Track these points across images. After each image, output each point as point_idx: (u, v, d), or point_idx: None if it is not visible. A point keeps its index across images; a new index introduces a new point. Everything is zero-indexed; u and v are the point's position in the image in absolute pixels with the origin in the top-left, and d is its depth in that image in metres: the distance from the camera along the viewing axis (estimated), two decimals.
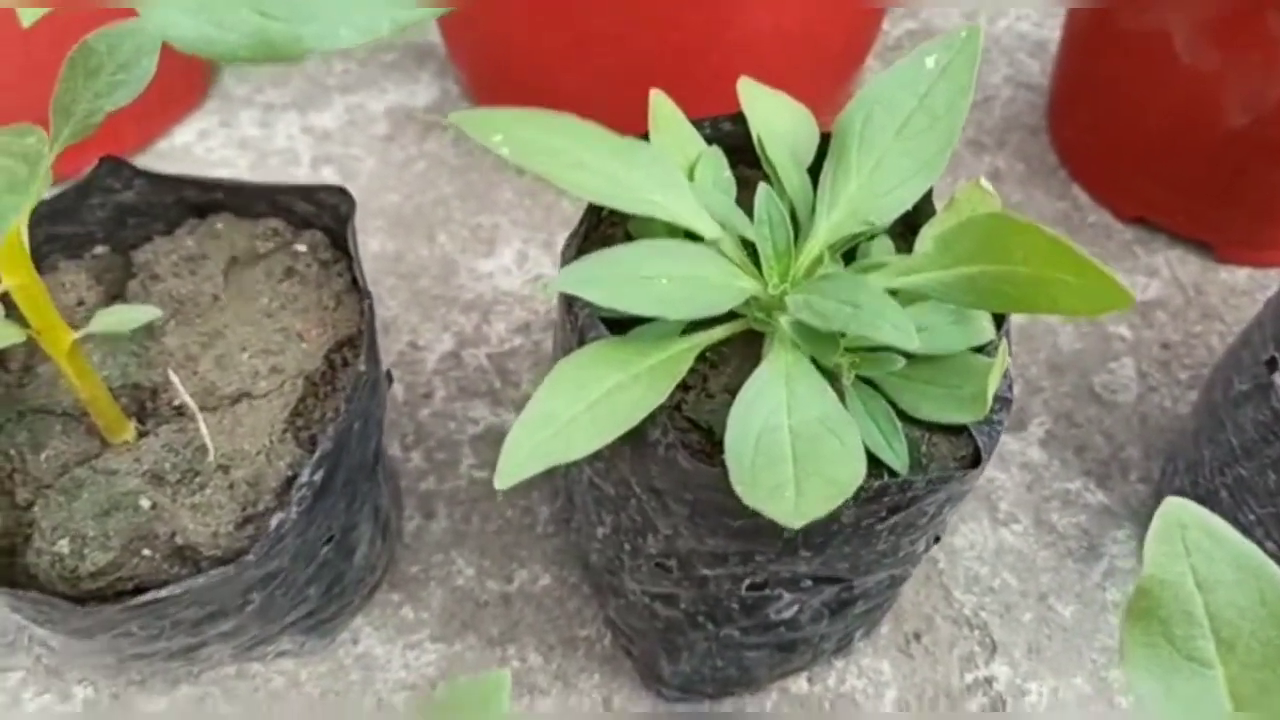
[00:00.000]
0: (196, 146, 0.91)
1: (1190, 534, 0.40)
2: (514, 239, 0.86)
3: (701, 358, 0.56)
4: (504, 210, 0.87)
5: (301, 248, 0.62)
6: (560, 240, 0.84)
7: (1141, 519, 0.72)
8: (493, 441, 0.76)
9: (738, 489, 0.47)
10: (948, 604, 0.70)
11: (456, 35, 0.91)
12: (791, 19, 0.81)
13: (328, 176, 0.89)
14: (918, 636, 0.69)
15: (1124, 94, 0.81)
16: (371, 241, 0.85)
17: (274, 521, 0.52)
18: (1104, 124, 0.85)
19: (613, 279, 0.50)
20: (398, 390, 0.78)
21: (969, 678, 0.67)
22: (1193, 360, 0.79)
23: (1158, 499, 0.70)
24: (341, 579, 0.64)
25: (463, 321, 0.81)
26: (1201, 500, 0.65)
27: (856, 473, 0.47)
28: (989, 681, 0.67)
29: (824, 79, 0.90)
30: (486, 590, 0.71)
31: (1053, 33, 0.99)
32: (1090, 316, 0.50)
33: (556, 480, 0.72)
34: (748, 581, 0.57)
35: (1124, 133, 0.84)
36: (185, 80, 0.93)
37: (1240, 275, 0.83)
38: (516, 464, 0.49)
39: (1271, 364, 0.60)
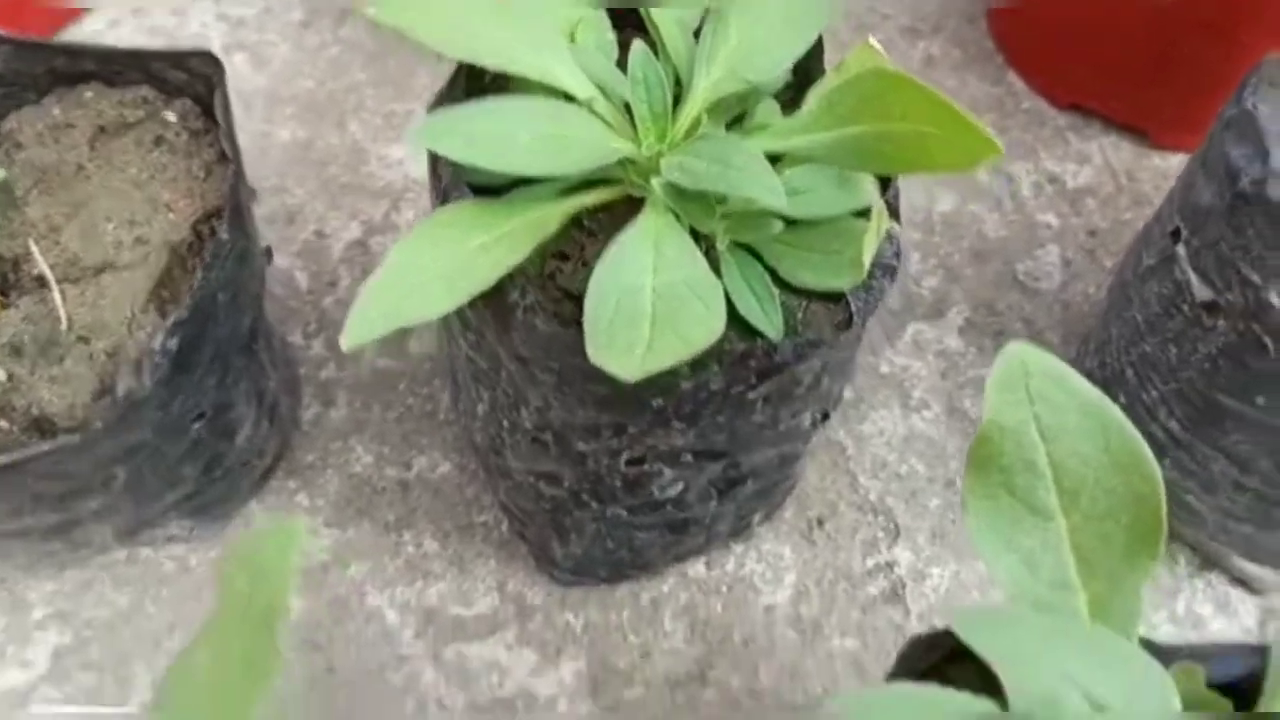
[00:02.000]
0: (107, 35, 0.88)
1: (1034, 381, 0.38)
2: None
3: (580, 226, 0.54)
4: (418, 96, 0.85)
5: (171, 117, 0.59)
6: None
7: None
8: (397, 330, 0.74)
9: (589, 346, 0.45)
10: (853, 490, 0.69)
11: None
12: None
13: (239, 63, 0.86)
14: (820, 522, 0.68)
15: None
16: (281, 130, 0.83)
17: (122, 389, 0.51)
18: (1039, 9, 0.82)
19: (473, 133, 0.48)
20: (301, 279, 0.76)
21: (870, 562, 0.66)
22: (1119, 247, 0.77)
23: None
24: (222, 460, 0.62)
25: (371, 209, 0.79)
26: (1108, 381, 0.64)
27: (712, 332, 0.46)
28: (890, 566, 0.66)
29: None
30: (384, 477, 0.69)
31: None
32: (962, 169, 0.48)
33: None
34: (625, 456, 0.55)
35: (1058, 18, 0.81)
36: None
37: (1173, 161, 0.81)
38: (366, 324, 0.47)
39: (1176, 234, 0.58)
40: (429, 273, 0.48)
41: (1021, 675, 0.34)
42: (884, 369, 0.72)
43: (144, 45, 0.87)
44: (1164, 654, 0.40)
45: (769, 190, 0.47)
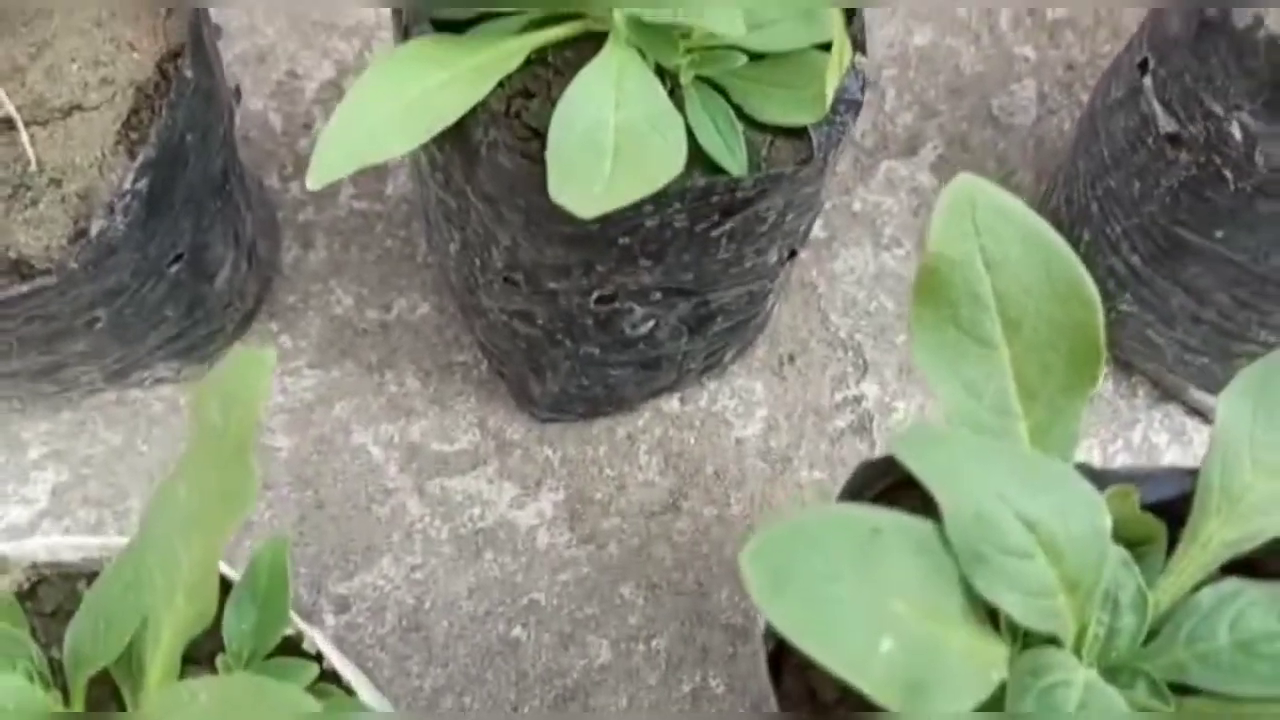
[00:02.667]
0: None
1: (980, 213, 0.39)
2: None
3: (545, 64, 0.54)
4: None
5: None
6: None
7: None
8: (373, 172, 0.74)
9: (550, 183, 0.46)
10: (824, 327, 0.70)
11: None
12: None
13: None
14: (791, 359, 0.69)
15: None
16: None
17: (95, 229, 0.52)
18: None
19: None
20: (275, 121, 0.76)
21: (839, 396, 0.68)
22: (1096, 81, 0.76)
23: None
24: (204, 302, 0.63)
25: (344, 48, 0.78)
26: (1074, 217, 0.65)
27: (671, 168, 0.46)
28: (858, 400, 0.68)
29: None
30: (365, 318, 0.70)
31: None
32: None
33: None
34: (596, 294, 0.57)
35: None
36: None
37: None
38: (329, 163, 0.47)
39: (1143, 66, 0.58)
40: (390, 111, 0.48)
41: (957, 495, 0.36)
42: (856, 206, 0.73)
43: None
44: (1101, 477, 0.42)
45: (727, 20, 0.47)
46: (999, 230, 0.39)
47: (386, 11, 0.79)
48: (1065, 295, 0.39)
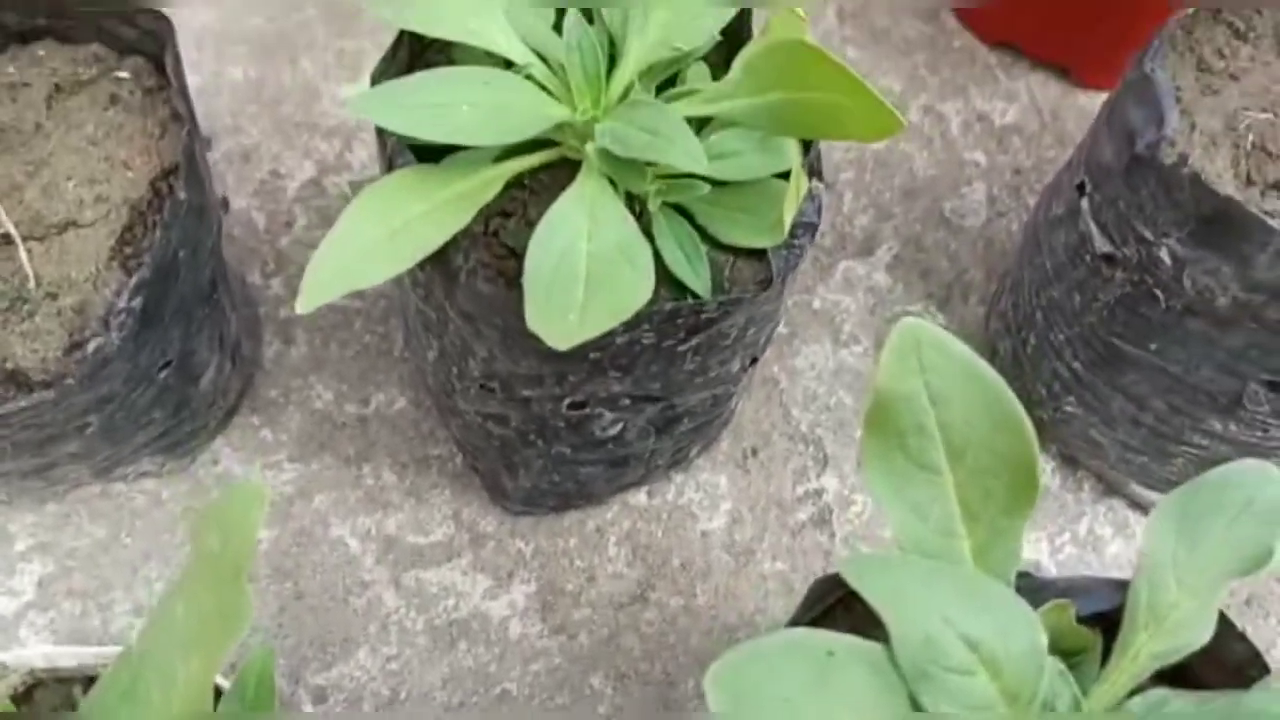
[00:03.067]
0: None
1: (925, 352, 0.42)
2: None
3: (522, 185, 0.58)
4: (369, 34, 0.86)
5: (124, 74, 0.61)
6: None
7: (975, 340, 0.75)
8: None
9: (528, 311, 0.49)
10: (786, 421, 0.73)
11: None
12: None
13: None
14: (754, 452, 0.72)
15: None
16: (233, 69, 0.84)
17: (92, 346, 0.54)
18: None
19: (412, 105, 0.51)
20: (258, 219, 0.79)
21: (800, 490, 0.71)
22: (1043, 185, 0.81)
23: (989, 322, 0.73)
24: (189, 402, 0.66)
25: (324, 148, 0.82)
26: (1020, 322, 0.68)
27: (640, 297, 0.49)
28: (818, 493, 0.71)
29: None
30: (344, 412, 0.73)
31: None
32: (869, 140, 0.51)
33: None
34: (568, 401, 0.59)
35: None
36: None
37: (1097, 100, 0.84)
38: (319, 287, 0.50)
39: (1081, 188, 0.62)
40: (376, 238, 0.51)
41: (904, 618, 0.39)
42: (816, 304, 0.76)
43: None
44: (1041, 589, 0.46)
45: (693, 158, 0.50)
46: (942, 368, 0.42)
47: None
48: (1004, 428, 0.42)
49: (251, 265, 0.77)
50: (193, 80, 0.60)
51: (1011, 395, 0.42)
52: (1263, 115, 0.57)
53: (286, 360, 0.74)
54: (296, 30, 0.86)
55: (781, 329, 0.75)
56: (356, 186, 0.81)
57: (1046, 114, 0.84)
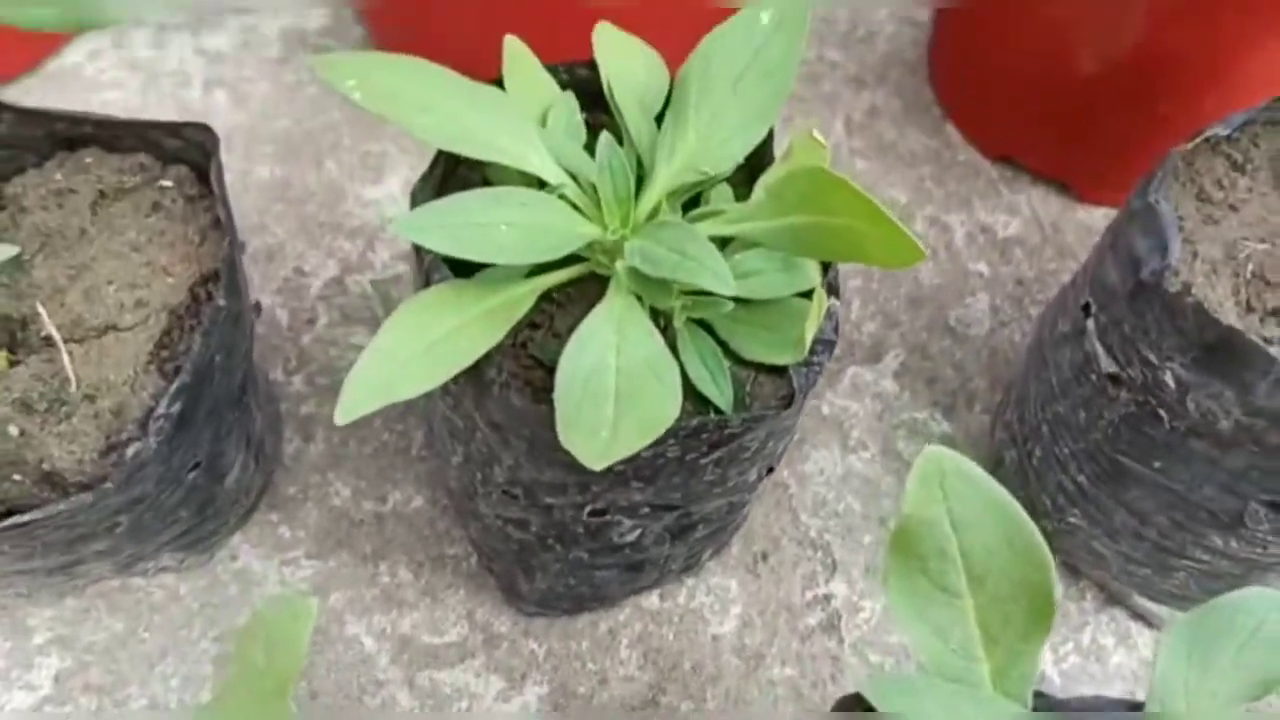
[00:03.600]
0: (87, 67, 0.91)
1: (949, 480, 0.44)
2: (401, 166, 0.88)
3: (549, 298, 0.60)
4: (392, 138, 0.89)
5: (168, 183, 0.64)
6: None
7: (981, 448, 0.77)
8: None
9: (559, 427, 0.51)
10: (795, 526, 0.75)
11: None
12: None
13: (219, 100, 0.90)
14: (765, 556, 0.74)
15: (992, 37, 0.84)
16: (261, 168, 0.87)
17: (130, 451, 0.55)
18: (974, 65, 0.88)
19: (453, 226, 0.53)
20: (281, 316, 0.80)
21: (809, 595, 0.72)
22: (1044, 296, 0.83)
23: (995, 431, 0.75)
24: (214, 501, 0.67)
25: (348, 248, 0.84)
26: (1027, 434, 0.70)
27: (669, 414, 0.51)
28: (827, 599, 0.72)
29: (695, 20, 0.91)
30: (361, 510, 0.74)
31: None
32: (890, 267, 0.54)
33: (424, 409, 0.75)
34: (589, 509, 0.61)
35: (992, 74, 0.87)
36: None
37: (1096, 214, 0.87)
38: (357, 400, 0.52)
39: (1086, 309, 0.64)
40: (412, 353, 0.53)
41: None
42: (825, 410, 0.78)
43: (124, 79, 0.90)
44: (1058, 707, 0.47)
45: (719, 279, 0.52)
46: (965, 496, 0.44)
47: (390, 214, 0.85)
48: (1023, 556, 0.44)
49: (274, 362, 0.79)
50: None
51: (1031, 525, 0.44)
52: (1261, 245, 0.59)
53: (306, 457, 0.76)
54: (322, 132, 0.89)
55: (794, 434, 0.77)
56: (379, 285, 0.83)
57: (1047, 227, 0.87)
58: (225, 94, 0.91)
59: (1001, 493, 0.44)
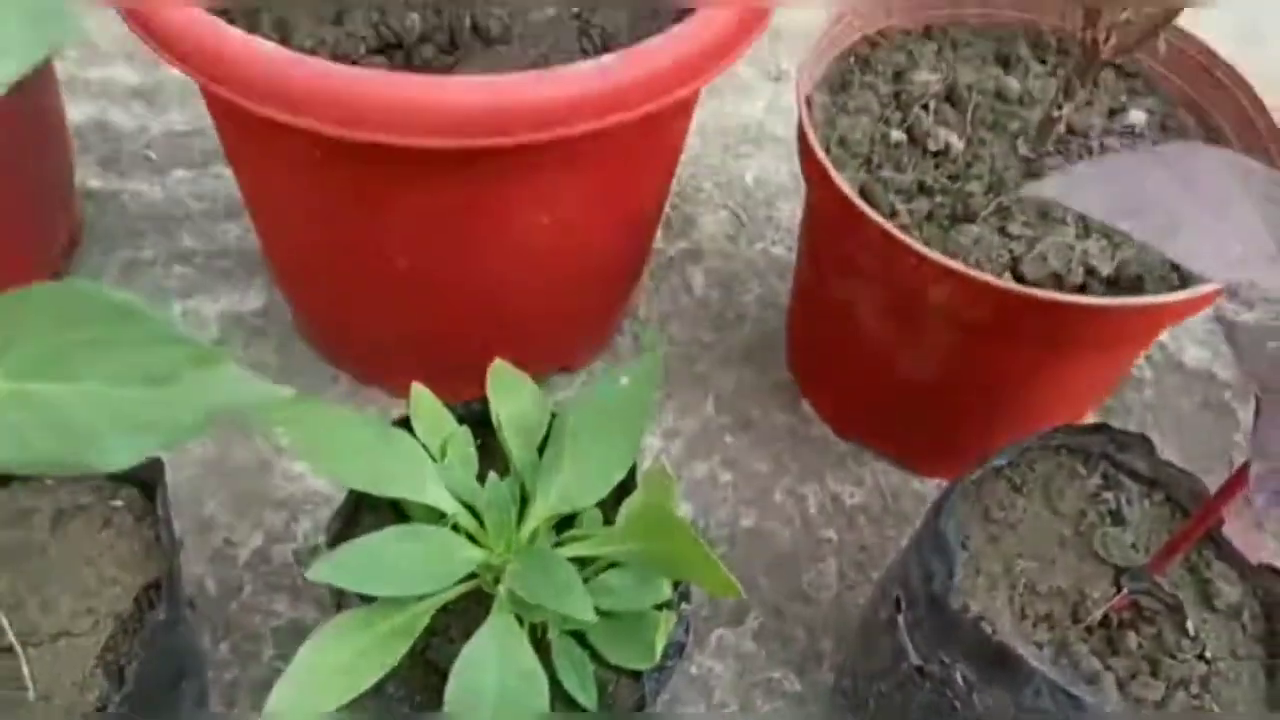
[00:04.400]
0: None
1: None
2: None
3: (446, 609, 0.70)
4: None
5: (119, 503, 0.74)
6: None
7: (824, 704, 0.88)
8: (293, 633, 0.88)
9: None
10: None
11: (277, 272, 1.04)
12: (564, 294, 0.95)
13: None
14: None
15: (832, 341, 0.99)
16: (195, 446, 0.97)
17: None
18: (817, 356, 1.03)
19: (360, 566, 0.65)
20: (210, 585, 0.90)
21: None
22: (884, 562, 0.96)
23: (834, 695, 0.86)
24: None
25: (273, 519, 0.94)
26: (858, 703, 0.82)
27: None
28: None
29: (602, 308, 1.05)
30: None
31: None
32: (715, 594, 0.66)
33: None
34: None
35: (831, 368, 1.01)
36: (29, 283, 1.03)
37: (930, 485, 1.01)
38: (281, 713, 0.63)
39: (899, 603, 0.76)
40: (325, 673, 0.64)
41: None
42: (694, 670, 0.89)
43: None
44: None
45: (582, 609, 0.64)
46: None
47: (311, 486, 0.96)
48: None
49: (200, 630, 0.88)
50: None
51: None
52: (1032, 563, 0.73)
53: None
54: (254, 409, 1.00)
55: (664, 695, 0.87)
56: (300, 555, 0.94)
57: (888, 497, 1.00)
58: None
59: None
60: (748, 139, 1.28)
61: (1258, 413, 0.54)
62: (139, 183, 1.15)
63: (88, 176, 1.14)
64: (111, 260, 1.09)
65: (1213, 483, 1.01)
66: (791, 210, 1.20)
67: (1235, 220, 0.53)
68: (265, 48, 0.70)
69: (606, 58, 0.71)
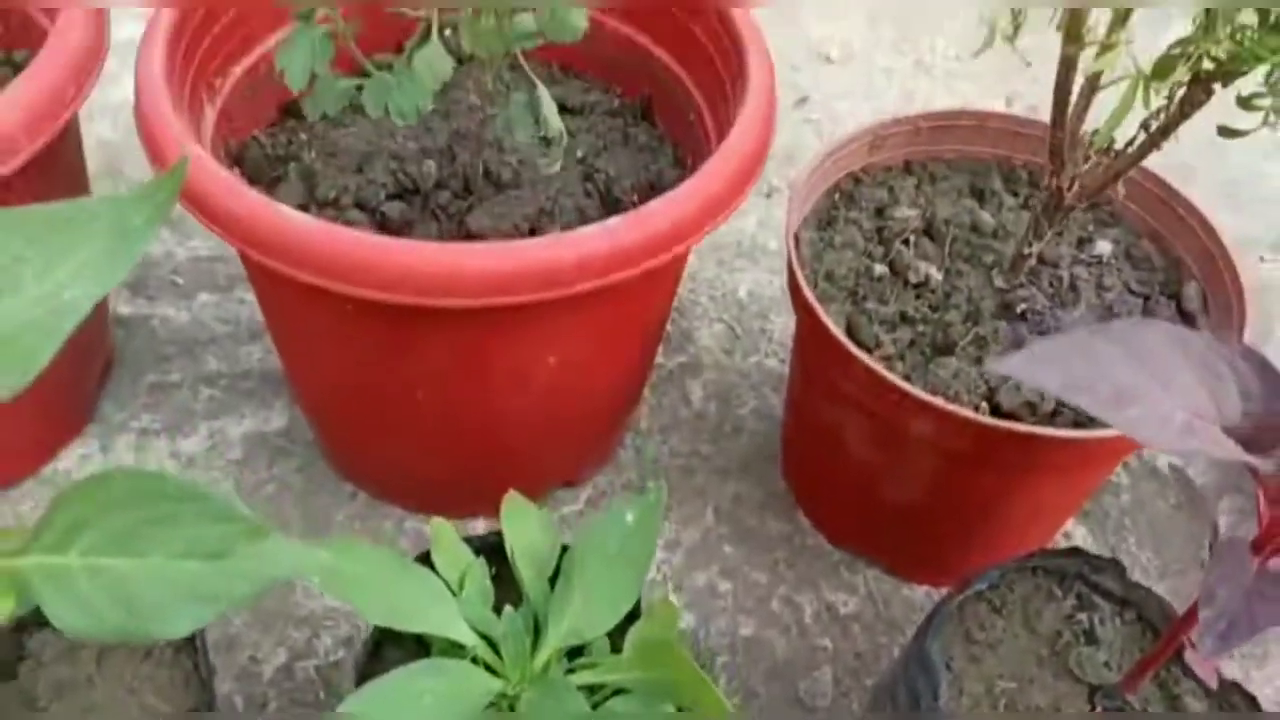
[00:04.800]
0: (78, 472, 1.08)
1: None
2: None
3: None
4: (338, 532, 1.06)
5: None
6: None
7: None
8: None
9: None
10: None
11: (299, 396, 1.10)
12: (568, 422, 1.01)
13: None
14: None
15: (822, 459, 1.05)
16: None
17: None
18: (809, 471, 1.09)
19: (387, 703, 0.70)
20: (238, 701, 0.95)
21: None
22: (878, 668, 1.01)
23: None
24: None
25: (296, 636, 0.99)
26: None
27: None
28: None
29: (605, 429, 1.10)
30: None
31: None
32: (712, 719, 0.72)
33: None
34: None
35: (824, 485, 1.07)
36: (68, 412, 1.09)
37: (919, 593, 1.06)
38: None
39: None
40: None
41: None
42: None
43: None
44: None
45: None
46: None
47: (332, 604, 1.01)
48: None
49: None
50: None
51: None
52: (1012, 683, 0.78)
53: None
54: (278, 530, 1.06)
55: None
56: (322, 671, 0.99)
57: (880, 604, 1.05)
58: None
59: None
60: (741, 253, 1.35)
61: (1209, 562, 0.60)
62: (166, 307, 1.22)
63: (118, 303, 1.21)
64: (140, 384, 1.15)
65: (1188, 583, 1.07)
66: (784, 324, 1.26)
67: (1179, 389, 0.59)
68: (298, 219, 0.76)
69: (611, 221, 0.78)
